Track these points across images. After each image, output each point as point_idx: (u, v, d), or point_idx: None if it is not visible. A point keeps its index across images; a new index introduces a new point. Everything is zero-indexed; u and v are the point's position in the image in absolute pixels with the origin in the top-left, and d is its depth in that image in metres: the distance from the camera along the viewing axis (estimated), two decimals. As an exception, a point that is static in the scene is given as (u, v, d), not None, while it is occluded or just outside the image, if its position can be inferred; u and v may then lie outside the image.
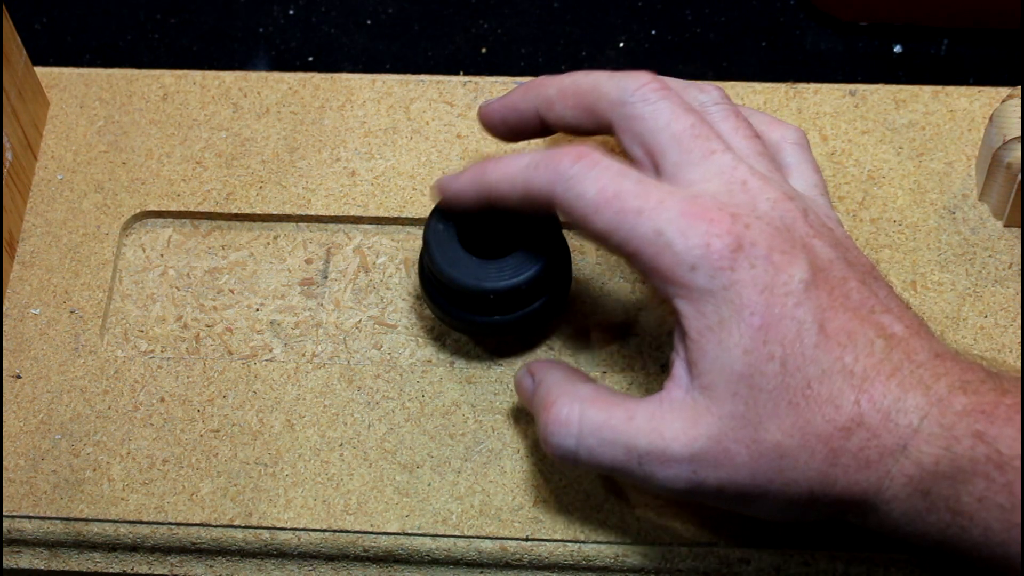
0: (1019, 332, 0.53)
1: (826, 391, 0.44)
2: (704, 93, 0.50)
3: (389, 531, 0.51)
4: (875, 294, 0.46)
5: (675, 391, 0.46)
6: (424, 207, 0.57)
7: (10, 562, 0.53)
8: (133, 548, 0.52)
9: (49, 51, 0.72)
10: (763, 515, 0.47)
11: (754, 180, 0.47)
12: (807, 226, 0.47)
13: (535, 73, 0.63)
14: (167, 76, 0.61)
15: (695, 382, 0.45)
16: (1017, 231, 0.55)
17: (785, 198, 0.47)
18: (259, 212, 0.57)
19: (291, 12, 0.73)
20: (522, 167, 0.48)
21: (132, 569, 0.52)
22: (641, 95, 0.48)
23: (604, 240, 0.46)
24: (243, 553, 0.52)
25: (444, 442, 0.53)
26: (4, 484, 0.53)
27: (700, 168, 0.47)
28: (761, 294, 0.44)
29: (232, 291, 0.56)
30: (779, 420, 0.45)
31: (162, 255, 0.57)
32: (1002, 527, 0.43)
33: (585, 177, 0.46)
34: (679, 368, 0.46)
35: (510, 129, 0.52)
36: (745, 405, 0.45)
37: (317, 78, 0.60)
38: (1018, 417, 0.43)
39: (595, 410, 0.46)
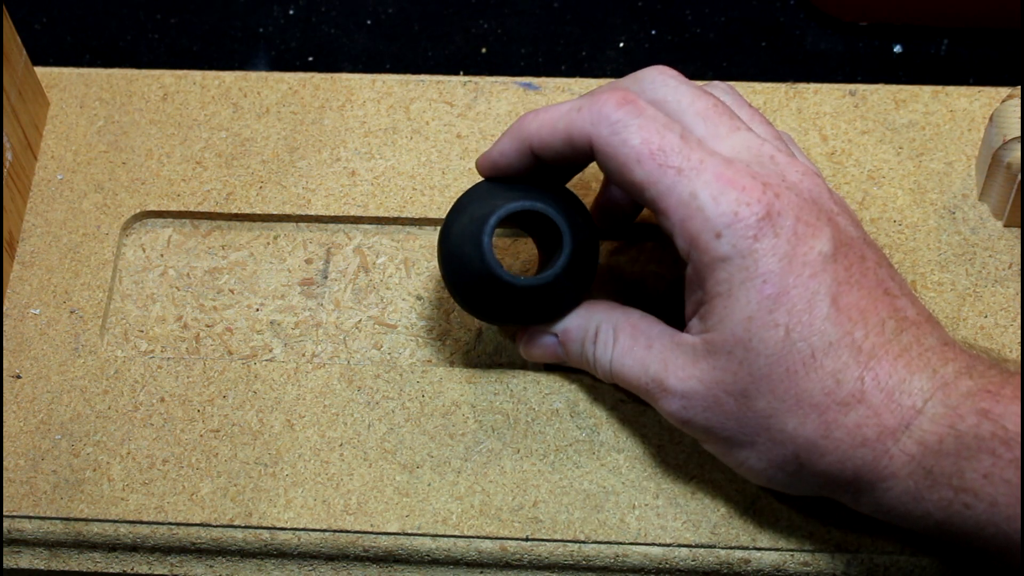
0: (1019, 332, 0.53)
1: (831, 364, 0.45)
2: (713, 87, 0.51)
3: (389, 531, 0.51)
4: (892, 277, 0.47)
5: (687, 335, 0.48)
6: (424, 207, 0.57)
7: (10, 562, 0.53)
8: (133, 548, 0.52)
9: (49, 51, 0.72)
10: (750, 473, 0.48)
11: (781, 156, 0.48)
12: (833, 202, 0.48)
13: (535, 73, 0.64)
14: (167, 76, 0.61)
15: (701, 335, 0.47)
16: (1017, 231, 0.55)
17: (813, 173, 0.48)
18: (259, 212, 0.57)
19: (291, 12, 0.73)
20: (563, 112, 0.48)
21: (132, 569, 0.52)
22: (661, 81, 0.49)
23: (638, 190, 0.47)
24: (243, 553, 0.52)
25: (444, 442, 0.53)
26: (4, 484, 0.53)
27: (728, 141, 0.48)
28: (779, 262, 0.45)
29: (232, 291, 0.56)
30: (772, 384, 0.45)
31: (162, 255, 0.57)
32: (1009, 502, 0.43)
33: (629, 124, 0.47)
34: (694, 319, 0.48)
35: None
36: (739, 365, 0.46)
37: (317, 78, 0.60)
38: None
39: (625, 335, 0.49)
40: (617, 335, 0.49)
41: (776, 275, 0.45)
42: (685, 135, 0.47)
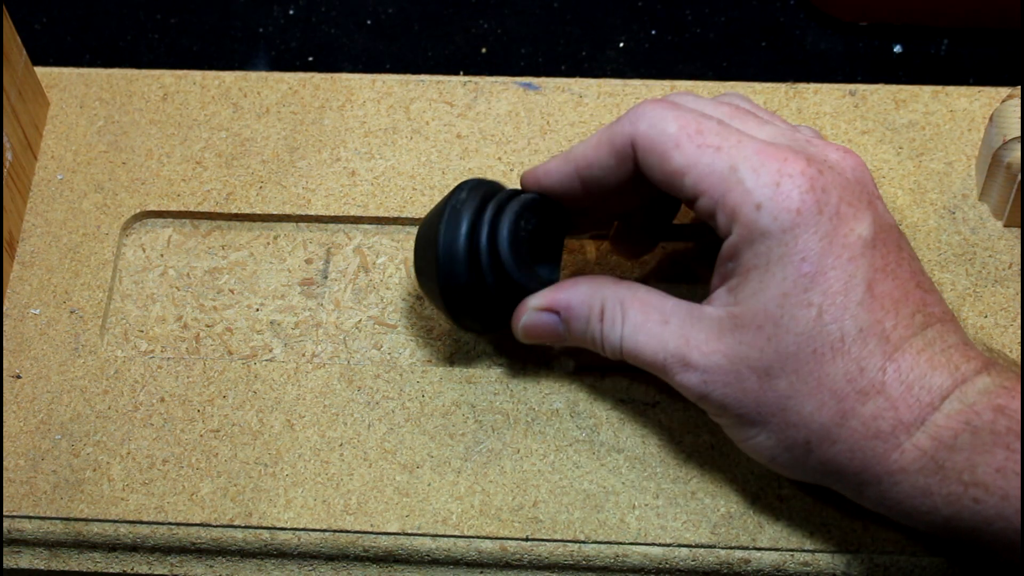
0: (1019, 332, 0.53)
1: (857, 351, 0.45)
2: (728, 95, 0.51)
3: (389, 531, 0.51)
4: (922, 272, 0.47)
5: (709, 307, 0.47)
6: (424, 207, 0.57)
7: (10, 562, 0.53)
8: (133, 548, 0.52)
9: (49, 51, 0.72)
10: (755, 451, 0.48)
11: (817, 139, 0.48)
12: (873, 185, 0.48)
13: (535, 73, 0.64)
14: (167, 76, 0.61)
15: (729, 308, 0.47)
16: (1017, 231, 0.55)
17: (854, 154, 0.48)
18: (259, 212, 0.57)
19: (291, 12, 0.73)
20: (605, 128, 0.49)
21: (132, 569, 0.52)
22: (682, 96, 0.50)
23: (679, 178, 0.47)
24: (243, 553, 0.52)
25: (444, 442, 0.53)
26: (4, 484, 0.53)
27: (762, 131, 0.48)
28: (820, 242, 0.45)
29: (232, 291, 0.56)
30: (797, 364, 0.45)
31: (162, 255, 0.57)
32: (1021, 495, 0.43)
33: (667, 116, 0.47)
34: (720, 291, 0.47)
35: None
36: (767, 341, 0.46)
37: (317, 78, 0.60)
38: None
39: (634, 311, 0.49)
40: (626, 311, 0.49)
41: (815, 254, 0.45)
42: (723, 122, 0.47)
